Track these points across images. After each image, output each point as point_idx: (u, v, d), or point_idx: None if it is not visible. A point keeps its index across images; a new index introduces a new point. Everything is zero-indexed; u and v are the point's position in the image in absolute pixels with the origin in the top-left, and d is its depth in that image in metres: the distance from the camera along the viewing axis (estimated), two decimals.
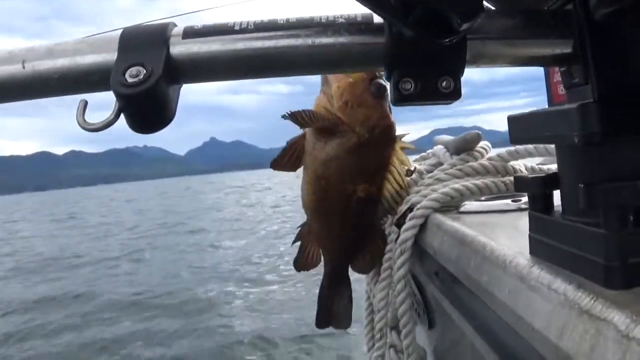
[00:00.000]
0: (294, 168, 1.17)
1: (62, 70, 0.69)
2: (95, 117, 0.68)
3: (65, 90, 0.71)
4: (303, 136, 1.17)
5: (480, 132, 1.46)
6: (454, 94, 0.67)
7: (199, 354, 6.79)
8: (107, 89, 0.66)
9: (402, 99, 0.67)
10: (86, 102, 0.68)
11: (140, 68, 0.65)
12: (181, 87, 0.72)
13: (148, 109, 0.67)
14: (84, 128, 0.67)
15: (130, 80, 0.64)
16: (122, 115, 0.67)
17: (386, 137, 1.14)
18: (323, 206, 1.19)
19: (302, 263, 1.26)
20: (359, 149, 1.12)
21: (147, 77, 0.64)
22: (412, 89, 0.67)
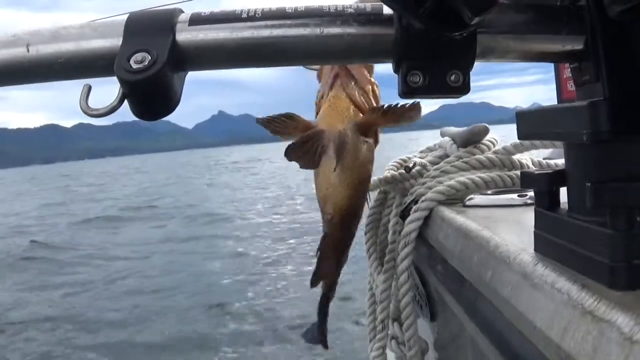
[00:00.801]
0: (316, 165, 1.12)
1: (67, 54, 0.68)
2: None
3: (69, 74, 0.70)
4: (323, 131, 1.11)
5: (487, 125, 1.45)
6: (463, 88, 0.67)
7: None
8: (111, 74, 0.66)
9: (410, 92, 0.67)
10: (90, 87, 0.68)
11: (146, 54, 0.64)
12: (187, 74, 0.71)
13: (152, 95, 0.66)
14: (87, 113, 0.66)
15: (135, 66, 0.64)
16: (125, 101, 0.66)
17: None
18: (356, 210, 1.16)
19: (320, 276, 1.20)
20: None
21: (152, 64, 0.64)
22: (420, 82, 0.66)
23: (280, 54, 0.68)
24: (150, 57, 0.64)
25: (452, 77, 0.66)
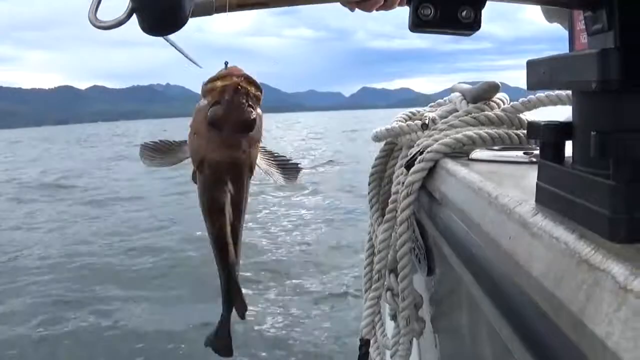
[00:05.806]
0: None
1: None
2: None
3: None
4: None
5: (499, 83, 1.43)
6: (474, 25, 0.65)
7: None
8: None
9: (420, 25, 0.65)
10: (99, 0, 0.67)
11: None
12: None
13: (161, 10, 0.66)
14: (94, 25, 0.66)
15: None
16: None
17: (220, 172, 0.99)
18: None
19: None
20: (204, 181, 1.01)
21: None
22: (431, 15, 0.65)
23: None
24: None
25: (464, 13, 0.65)
